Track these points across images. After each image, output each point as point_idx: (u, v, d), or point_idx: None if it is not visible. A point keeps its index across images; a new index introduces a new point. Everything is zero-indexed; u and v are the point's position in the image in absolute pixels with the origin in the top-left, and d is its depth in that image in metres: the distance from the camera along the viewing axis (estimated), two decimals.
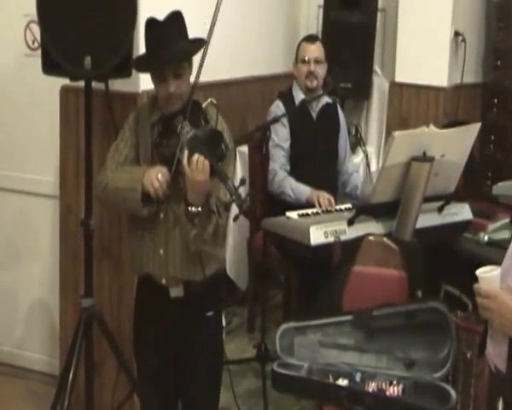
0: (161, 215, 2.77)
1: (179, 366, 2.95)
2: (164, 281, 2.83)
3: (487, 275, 2.10)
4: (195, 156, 2.57)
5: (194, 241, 2.71)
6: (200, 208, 2.63)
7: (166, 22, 2.75)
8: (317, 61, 4.31)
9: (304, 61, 4.32)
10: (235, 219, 2.71)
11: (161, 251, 2.79)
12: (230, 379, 3.24)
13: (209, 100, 2.78)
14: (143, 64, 2.87)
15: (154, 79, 2.81)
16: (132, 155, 2.86)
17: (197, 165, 2.56)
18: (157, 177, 2.70)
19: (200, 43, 2.75)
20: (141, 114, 2.89)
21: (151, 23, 2.77)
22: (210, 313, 2.89)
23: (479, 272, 2.11)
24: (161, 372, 2.96)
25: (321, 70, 4.33)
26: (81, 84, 3.24)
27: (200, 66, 2.67)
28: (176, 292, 2.84)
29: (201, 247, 2.76)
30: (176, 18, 2.78)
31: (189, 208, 2.63)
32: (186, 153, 2.59)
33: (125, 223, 3.05)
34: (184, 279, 2.82)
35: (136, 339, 3.03)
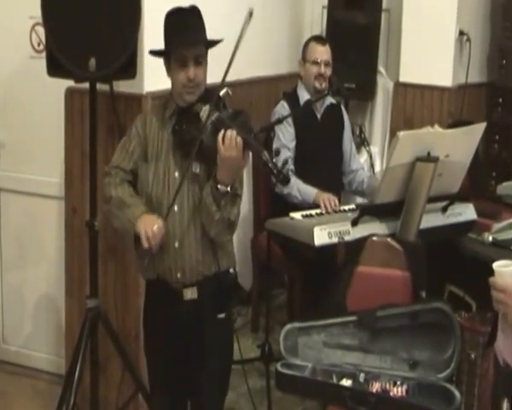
0: (175, 208, 2.75)
1: (190, 367, 2.95)
2: (179, 275, 2.80)
3: (504, 269, 2.09)
4: (228, 132, 2.59)
5: (217, 225, 2.71)
6: (229, 188, 2.64)
7: (190, 11, 2.80)
8: (326, 64, 4.32)
9: (314, 63, 4.32)
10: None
11: (176, 244, 2.77)
12: (246, 379, 3.28)
13: (225, 89, 2.76)
14: (166, 42, 2.83)
15: (174, 66, 2.78)
16: (139, 151, 2.84)
17: (230, 140, 2.59)
18: (152, 228, 2.68)
19: (218, 42, 2.82)
20: (150, 116, 2.88)
21: (176, 10, 2.80)
22: (222, 315, 2.87)
23: (495, 265, 2.10)
24: (172, 374, 2.96)
25: (329, 72, 4.34)
26: (86, 85, 3.25)
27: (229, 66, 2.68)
28: (189, 294, 2.82)
29: (222, 233, 2.76)
30: (197, 10, 2.82)
31: (218, 187, 2.64)
32: (221, 132, 2.60)
33: None
34: (199, 273, 2.80)
35: (147, 342, 3.02)
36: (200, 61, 2.78)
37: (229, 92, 2.76)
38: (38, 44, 3.86)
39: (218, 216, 2.67)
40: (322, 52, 4.33)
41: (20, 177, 4.09)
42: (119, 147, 2.92)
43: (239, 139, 2.59)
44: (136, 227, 2.72)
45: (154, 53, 2.88)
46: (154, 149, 2.82)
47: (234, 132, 2.60)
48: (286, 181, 2.63)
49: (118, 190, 2.84)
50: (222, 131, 2.61)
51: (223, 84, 2.70)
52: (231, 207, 2.70)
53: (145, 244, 2.68)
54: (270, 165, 2.60)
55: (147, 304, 2.99)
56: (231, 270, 2.90)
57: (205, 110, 2.70)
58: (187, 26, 2.77)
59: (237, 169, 2.68)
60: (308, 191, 4.09)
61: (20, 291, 4.18)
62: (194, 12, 2.81)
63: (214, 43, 2.83)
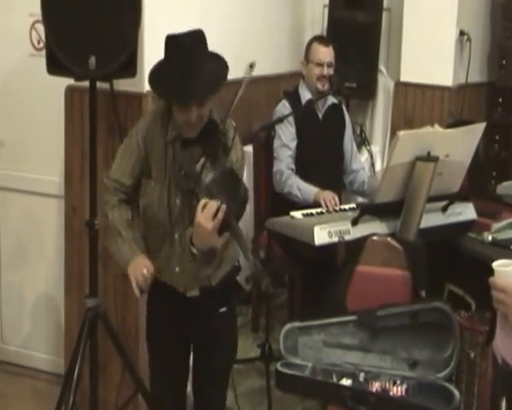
0: (176, 236, 2.74)
1: (193, 362, 2.97)
2: (181, 289, 2.83)
3: (504, 269, 2.07)
4: (210, 204, 2.50)
5: (196, 268, 2.72)
6: (197, 253, 2.60)
7: (190, 45, 2.60)
8: (329, 65, 4.32)
9: (317, 64, 4.31)
10: None
11: (177, 269, 2.78)
12: (233, 380, 3.25)
13: (227, 121, 2.68)
14: (167, 92, 2.67)
15: (174, 105, 2.69)
16: (140, 166, 2.79)
17: (208, 212, 2.50)
18: (142, 272, 2.74)
19: (225, 69, 2.67)
20: (152, 124, 2.78)
21: (173, 45, 2.61)
22: (223, 309, 2.88)
23: (495, 265, 2.08)
24: (174, 369, 2.98)
25: (332, 72, 4.34)
26: (86, 84, 3.24)
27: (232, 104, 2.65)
28: (191, 292, 2.83)
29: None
30: (199, 40, 2.64)
31: (191, 248, 2.60)
32: (204, 201, 2.51)
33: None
34: (201, 284, 2.82)
35: (149, 337, 3.03)
36: (204, 103, 2.65)
37: (233, 123, 2.70)
38: (38, 42, 3.85)
39: (194, 264, 2.68)
40: (326, 53, 4.32)
41: (20, 175, 4.08)
42: (120, 154, 2.86)
43: (220, 216, 2.50)
44: (127, 272, 2.78)
45: (152, 86, 2.72)
46: (158, 169, 2.76)
47: (214, 205, 2.49)
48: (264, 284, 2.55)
49: (114, 213, 2.85)
50: (203, 201, 2.51)
51: (225, 119, 2.64)
52: (209, 261, 2.68)
53: (137, 293, 2.75)
54: (253, 270, 2.51)
55: (150, 301, 3.00)
56: (236, 263, 2.91)
57: (201, 164, 2.59)
58: (189, 74, 2.58)
59: (209, 242, 2.57)
60: (308, 190, 4.10)
61: (20, 290, 4.17)
62: (196, 45, 2.61)
63: (222, 78, 2.65)
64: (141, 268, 2.75)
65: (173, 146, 2.73)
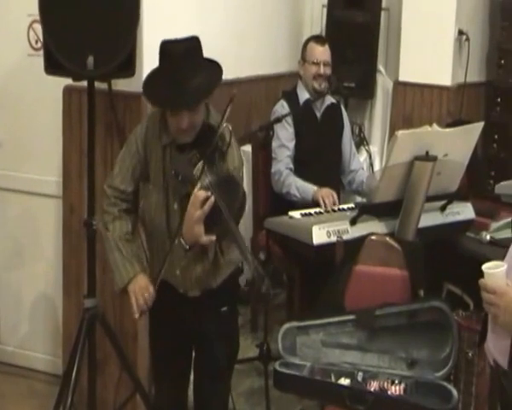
0: (176, 241, 2.72)
1: (194, 361, 2.98)
2: (181, 290, 2.84)
3: (494, 271, 2.09)
4: (200, 191, 2.52)
5: (195, 271, 2.73)
6: (188, 247, 2.61)
7: (182, 52, 2.60)
8: (325, 64, 4.31)
9: (313, 63, 4.31)
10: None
11: (177, 272, 2.79)
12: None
13: (224, 125, 2.64)
14: (157, 98, 2.70)
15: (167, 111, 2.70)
16: (139, 171, 2.80)
17: (197, 198, 2.52)
18: (144, 295, 2.76)
19: (218, 76, 2.67)
20: (151, 128, 2.79)
21: (165, 52, 2.62)
22: (224, 309, 2.88)
23: (485, 267, 2.10)
24: (177, 369, 2.99)
25: (329, 72, 4.33)
26: (84, 84, 3.24)
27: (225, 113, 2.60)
28: (192, 293, 2.84)
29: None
30: (193, 46, 2.65)
31: (181, 240, 2.62)
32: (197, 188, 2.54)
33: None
34: (202, 286, 2.83)
35: (152, 337, 3.05)
36: (196, 108, 2.65)
37: (229, 128, 2.67)
38: (36, 42, 3.84)
39: (182, 263, 2.71)
40: (322, 52, 4.32)
41: (18, 175, 4.07)
42: (119, 161, 2.86)
43: (207, 206, 2.51)
44: (127, 290, 2.79)
45: (144, 92, 2.74)
46: (156, 173, 2.76)
47: (203, 193, 2.52)
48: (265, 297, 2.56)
49: (115, 226, 2.85)
50: (196, 189, 2.53)
51: (221, 123, 2.61)
52: (197, 261, 2.69)
53: (136, 314, 2.77)
54: (253, 272, 2.51)
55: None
56: (239, 265, 2.91)
57: (198, 168, 2.58)
58: (179, 81, 2.59)
59: (193, 232, 2.57)
60: (307, 189, 4.10)
61: (17, 290, 4.17)
62: (189, 53, 2.61)
63: (213, 85, 2.63)
64: (143, 290, 2.77)
65: (170, 150, 2.74)
